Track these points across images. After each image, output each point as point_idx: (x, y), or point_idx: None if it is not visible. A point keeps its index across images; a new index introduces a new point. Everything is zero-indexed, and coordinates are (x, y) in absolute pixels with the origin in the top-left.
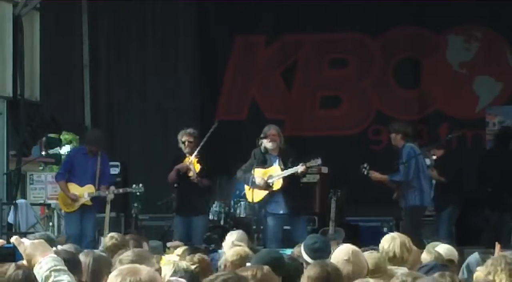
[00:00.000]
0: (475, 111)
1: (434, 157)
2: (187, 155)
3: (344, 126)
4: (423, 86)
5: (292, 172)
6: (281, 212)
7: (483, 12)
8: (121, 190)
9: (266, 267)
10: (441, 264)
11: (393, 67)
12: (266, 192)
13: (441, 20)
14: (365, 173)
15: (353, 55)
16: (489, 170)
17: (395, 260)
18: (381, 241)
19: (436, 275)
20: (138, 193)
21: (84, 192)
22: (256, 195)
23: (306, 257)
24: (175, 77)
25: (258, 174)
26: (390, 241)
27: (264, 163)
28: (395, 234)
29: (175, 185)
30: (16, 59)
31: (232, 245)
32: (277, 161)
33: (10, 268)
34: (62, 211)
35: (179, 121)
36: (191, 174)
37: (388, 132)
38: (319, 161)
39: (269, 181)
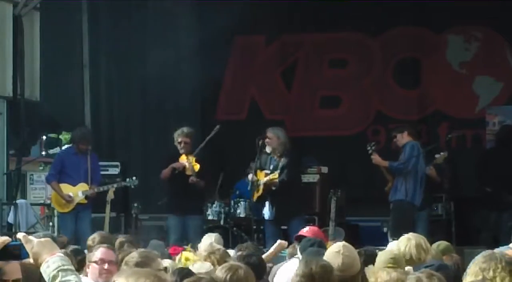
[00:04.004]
0: (475, 111)
1: (442, 153)
2: (184, 154)
3: (344, 126)
4: (423, 86)
5: (265, 181)
6: (267, 217)
7: (483, 12)
8: (115, 185)
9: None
10: (443, 264)
11: (393, 67)
12: (256, 195)
13: (441, 20)
14: (370, 152)
15: (353, 55)
16: (488, 169)
17: (412, 261)
18: (397, 243)
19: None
20: (132, 186)
21: (78, 191)
22: (252, 197)
23: (301, 257)
24: (175, 77)
25: (258, 176)
26: (406, 243)
27: (265, 164)
28: (410, 235)
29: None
30: (16, 59)
31: (211, 247)
32: (273, 164)
33: None
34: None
35: (179, 121)
36: (189, 172)
37: (393, 137)
38: (275, 175)
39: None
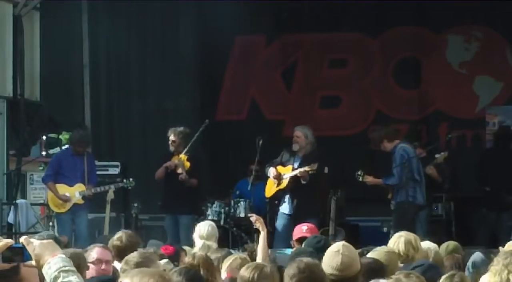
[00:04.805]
0: (475, 111)
1: (443, 153)
2: (176, 154)
3: (344, 126)
4: (423, 86)
5: (294, 174)
6: (287, 212)
7: (483, 12)
8: (112, 186)
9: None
10: (431, 264)
11: (393, 67)
12: (276, 189)
13: (441, 20)
14: (360, 179)
15: (353, 55)
16: (487, 169)
17: (400, 258)
18: (390, 240)
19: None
20: (129, 187)
21: (75, 192)
22: (268, 191)
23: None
24: (175, 77)
25: (280, 171)
26: (396, 239)
27: (288, 161)
28: (402, 233)
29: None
30: (16, 59)
31: (203, 243)
32: (299, 161)
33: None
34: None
35: (179, 121)
36: (179, 170)
37: (376, 147)
38: (315, 166)
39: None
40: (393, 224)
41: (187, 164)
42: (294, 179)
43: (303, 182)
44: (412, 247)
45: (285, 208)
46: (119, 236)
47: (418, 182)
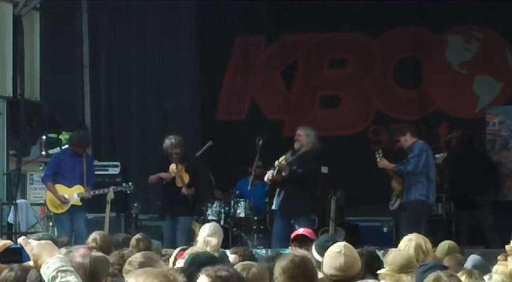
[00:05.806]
0: (475, 111)
1: (442, 154)
2: (174, 163)
3: (344, 126)
4: (423, 86)
5: (276, 164)
6: (274, 208)
7: (483, 12)
8: (111, 189)
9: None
10: (441, 265)
11: (393, 67)
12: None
13: (441, 20)
14: (378, 160)
15: (353, 55)
16: (455, 170)
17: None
18: (400, 242)
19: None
20: (128, 192)
21: (73, 193)
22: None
23: (316, 255)
24: (175, 77)
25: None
26: (407, 243)
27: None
28: (412, 236)
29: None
30: (16, 59)
31: (204, 240)
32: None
33: (4, 270)
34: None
35: (179, 121)
36: (178, 184)
37: (396, 141)
38: (287, 155)
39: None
40: (405, 223)
41: (186, 176)
42: (278, 173)
43: (283, 174)
44: (422, 251)
45: (274, 203)
46: (93, 238)
47: (432, 181)
